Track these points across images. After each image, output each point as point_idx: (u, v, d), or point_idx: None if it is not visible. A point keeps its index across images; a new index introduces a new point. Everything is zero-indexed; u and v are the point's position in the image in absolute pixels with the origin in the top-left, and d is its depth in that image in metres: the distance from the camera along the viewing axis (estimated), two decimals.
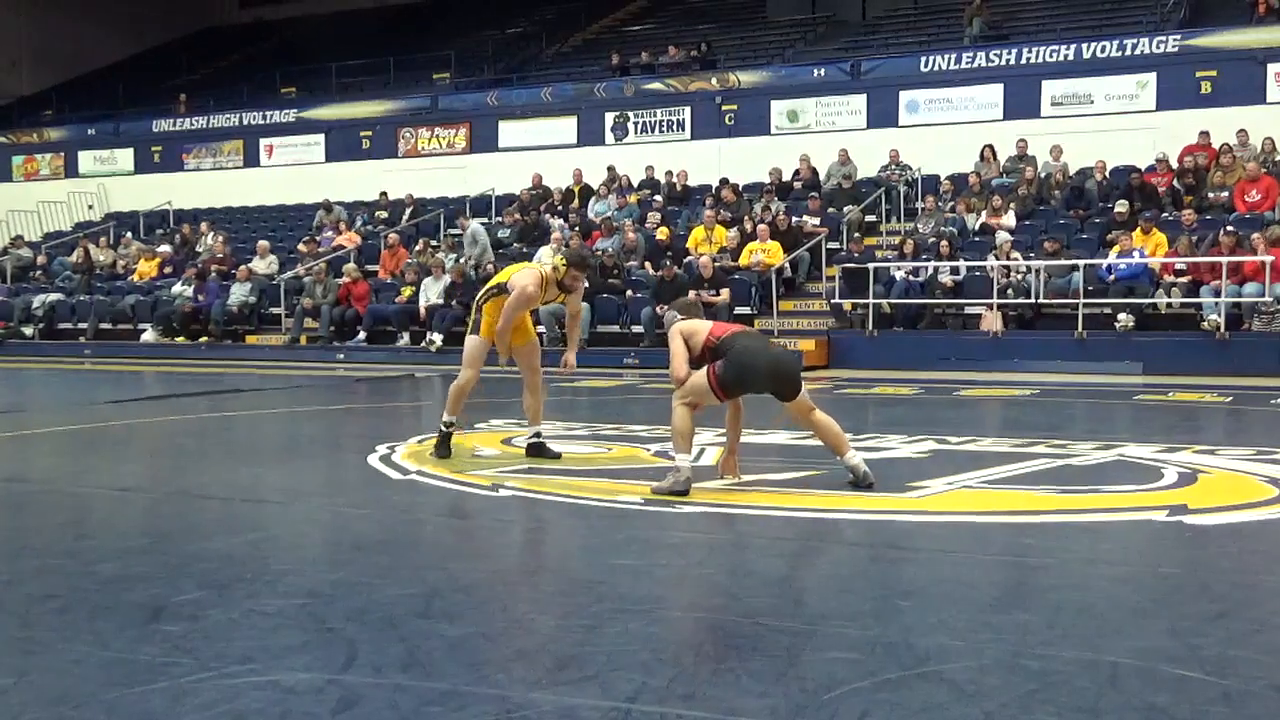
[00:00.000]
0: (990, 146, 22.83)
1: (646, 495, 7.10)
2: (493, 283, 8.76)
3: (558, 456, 8.71)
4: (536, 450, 8.71)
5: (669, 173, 25.33)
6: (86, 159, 34.24)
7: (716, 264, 19.98)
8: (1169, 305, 17.63)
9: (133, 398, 14.75)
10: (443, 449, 8.60)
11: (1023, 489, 7.44)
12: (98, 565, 5.52)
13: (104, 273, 27.68)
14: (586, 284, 8.85)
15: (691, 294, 19.21)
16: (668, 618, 4.68)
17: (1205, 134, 21.25)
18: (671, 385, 7.55)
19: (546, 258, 21.82)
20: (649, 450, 9.05)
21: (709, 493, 7.26)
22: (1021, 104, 23.89)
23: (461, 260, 22.18)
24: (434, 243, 24.30)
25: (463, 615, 4.68)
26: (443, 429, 8.63)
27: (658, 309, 18.80)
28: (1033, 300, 18.13)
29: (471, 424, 10.55)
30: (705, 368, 7.44)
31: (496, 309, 8.50)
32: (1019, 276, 18.44)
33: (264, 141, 32.03)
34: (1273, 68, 22.33)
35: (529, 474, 7.99)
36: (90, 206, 33.47)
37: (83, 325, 25.13)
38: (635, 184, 25.52)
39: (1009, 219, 20.35)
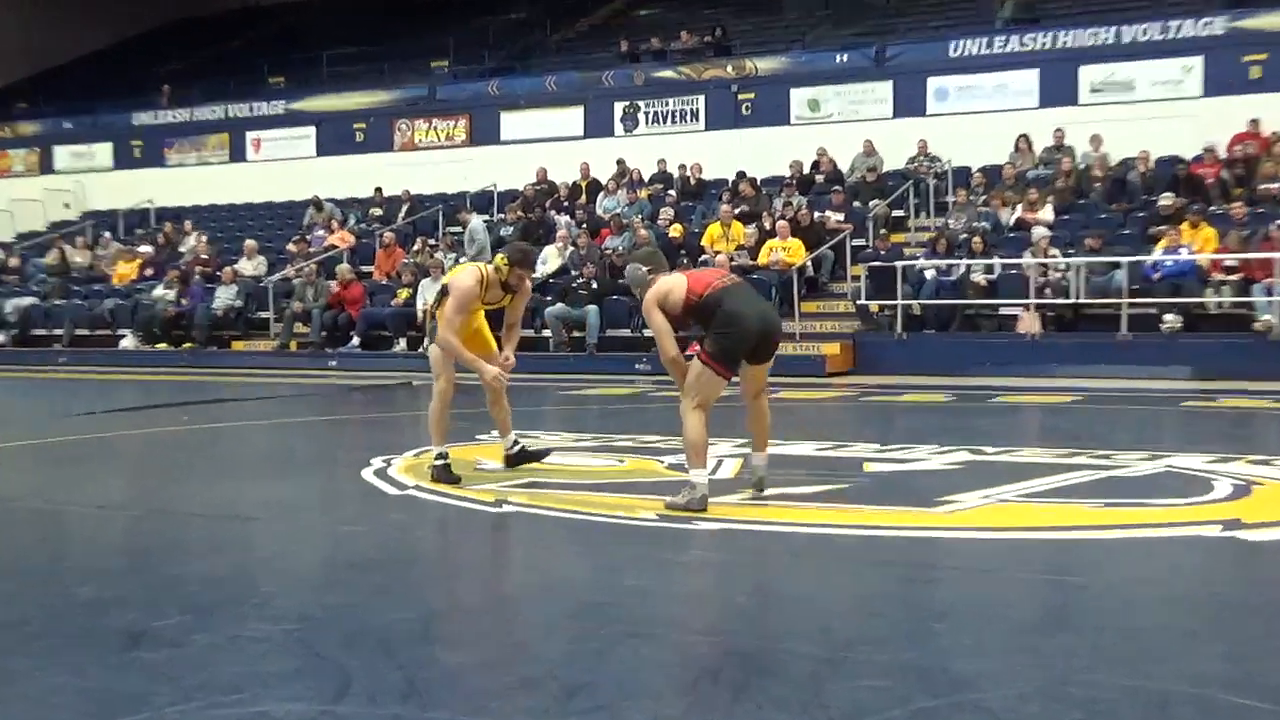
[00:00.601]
0: (1025, 136, 22.77)
1: (660, 511, 7.07)
2: (438, 284, 8.70)
3: (546, 453, 8.73)
4: (520, 459, 8.65)
5: (682, 166, 25.32)
6: (62, 154, 34.33)
7: (734, 263, 19.95)
8: (1218, 305, 17.55)
9: (111, 408, 14.76)
10: (446, 476, 8.22)
11: (1064, 503, 7.40)
12: (74, 588, 5.51)
13: (81, 275, 27.75)
14: (530, 284, 8.65)
15: None
16: (683, 642, 4.66)
17: (1255, 122, 21.17)
18: (679, 392, 7.44)
19: (552, 259, 21.89)
20: (663, 463, 9.03)
21: (728, 508, 7.24)
22: (1058, 91, 23.83)
23: (462, 261, 22.22)
24: (432, 242, 24.31)
25: (464, 640, 4.66)
26: (436, 463, 8.31)
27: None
28: (1072, 300, 18.08)
29: (473, 435, 10.54)
30: (696, 357, 7.28)
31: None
32: (1058, 275, 18.38)
33: (251, 135, 32.08)
34: None
35: (534, 489, 7.97)
36: (66, 205, 33.55)
37: (58, 331, 25.18)
38: (646, 178, 25.50)
39: (1046, 213, 20.30)
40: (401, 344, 21.44)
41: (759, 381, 7.58)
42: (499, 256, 8.35)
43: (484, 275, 8.29)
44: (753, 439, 7.69)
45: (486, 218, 26.22)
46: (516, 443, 8.73)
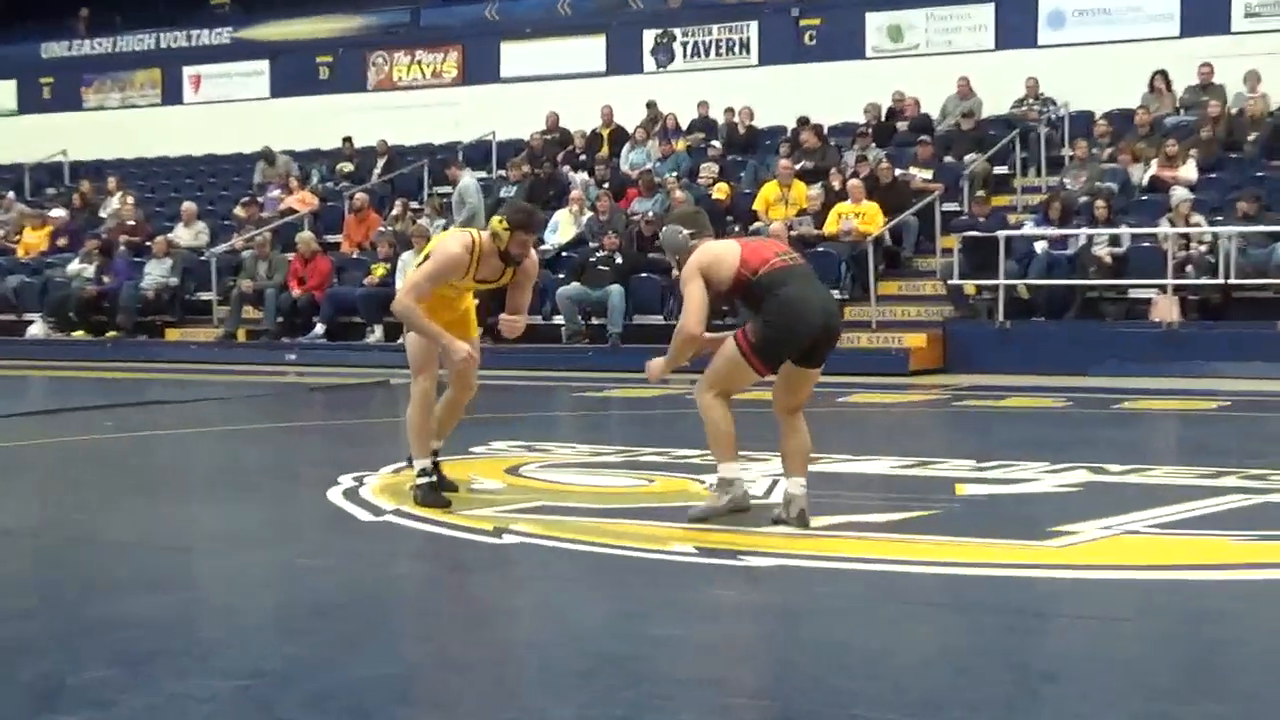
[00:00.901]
0: (1162, 73, 22.68)
1: (697, 542, 7.11)
2: (419, 257, 8.66)
3: (453, 490, 8.52)
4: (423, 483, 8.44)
5: (729, 110, 25.31)
6: None
7: (794, 232, 19.95)
8: None
9: (15, 412, 14.87)
10: (431, 498, 8.26)
11: (1207, 535, 7.41)
12: None
13: None
14: (536, 257, 8.62)
15: None
16: (725, 706, 4.70)
17: None
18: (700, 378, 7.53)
19: (565, 226, 21.92)
20: (703, 483, 9.06)
21: (782, 539, 7.26)
22: (1205, 15, 23.73)
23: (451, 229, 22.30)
24: (415, 205, 24.39)
25: (455, 702, 4.71)
26: (418, 480, 8.33)
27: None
28: (1221, 280, 18.02)
29: (466, 448, 10.59)
30: (733, 340, 7.35)
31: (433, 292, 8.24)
32: (1202, 249, 18.32)
33: (189, 70, 32.22)
34: None
35: (542, 514, 8.01)
36: None
37: None
38: (684, 126, 25.52)
39: (1188, 171, 20.23)
40: (376, 333, 21.52)
41: (804, 392, 7.65)
42: (496, 219, 8.21)
43: (476, 242, 8.18)
44: (786, 463, 7.66)
45: (483, 175, 26.26)
46: (437, 455, 8.61)
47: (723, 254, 7.45)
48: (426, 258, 8.35)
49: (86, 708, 4.58)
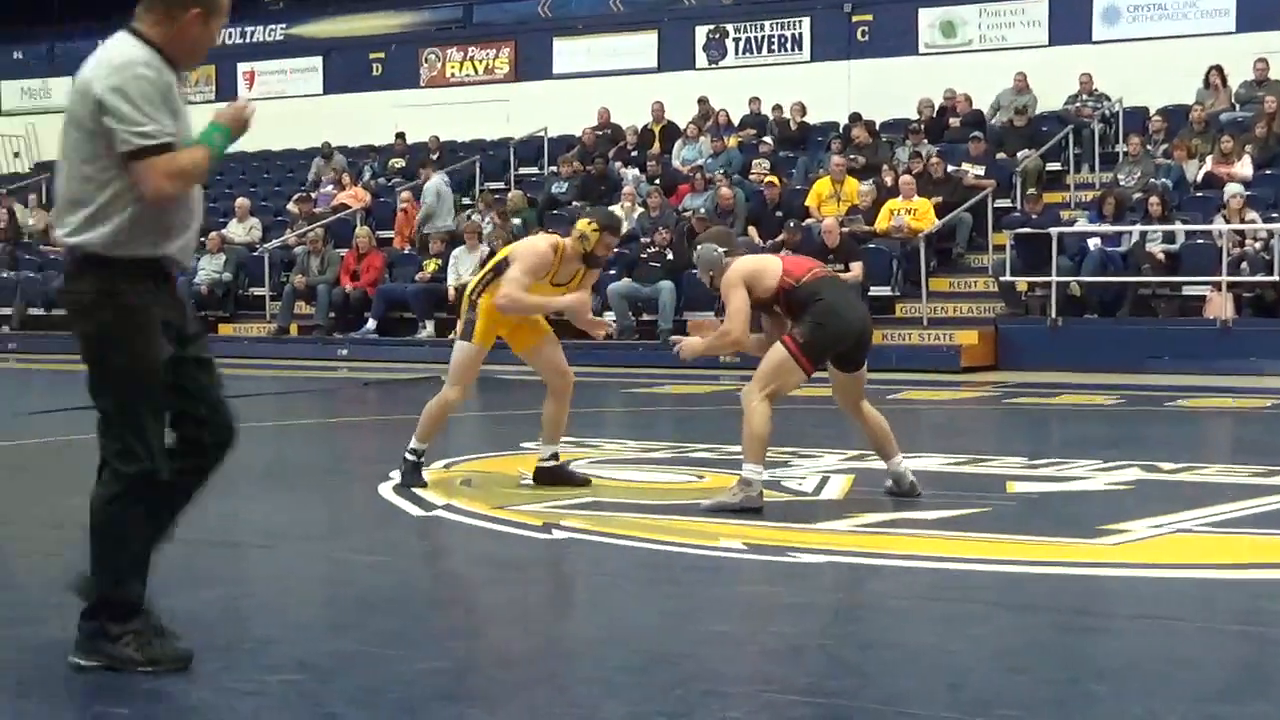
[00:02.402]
0: (1218, 68, 22.53)
1: (747, 538, 7.10)
2: (489, 266, 8.89)
3: (586, 482, 8.86)
4: (550, 477, 8.84)
5: (777, 108, 25.27)
6: (11, 91, 34.81)
7: (845, 229, 19.91)
8: None
9: (71, 406, 14.95)
10: (412, 477, 8.75)
11: (1262, 534, 7.37)
12: (24, 626, 5.62)
13: (34, 241, 28.10)
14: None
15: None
16: (777, 703, 4.68)
17: None
18: (751, 378, 7.87)
19: None
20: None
21: (834, 535, 7.25)
22: (1262, 10, 23.54)
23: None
24: (467, 201, 24.45)
25: (504, 698, 4.70)
26: (408, 457, 8.79)
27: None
28: (1276, 278, 17.89)
29: (517, 443, 10.60)
30: (782, 343, 7.78)
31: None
32: (1257, 245, 18.20)
33: (243, 67, 32.37)
34: None
35: (592, 510, 8.02)
36: (16, 154, 34.01)
37: (6, 311, 25.55)
38: (736, 122, 25.50)
39: (1244, 167, 20.10)
40: (428, 328, 21.57)
41: (857, 389, 8.23)
42: (584, 221, 8.66)
43: (560, 246, 8.62)
44: (880, 449, 8.32)
45: (534, 171, 26.33)
46: (556, 455, 8.89)
47: (766, 265, 8.08)
48: (504, 260, 8.63)
49: (137, 701, 4.60)
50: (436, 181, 23.96)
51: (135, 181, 4.64)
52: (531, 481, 8.88)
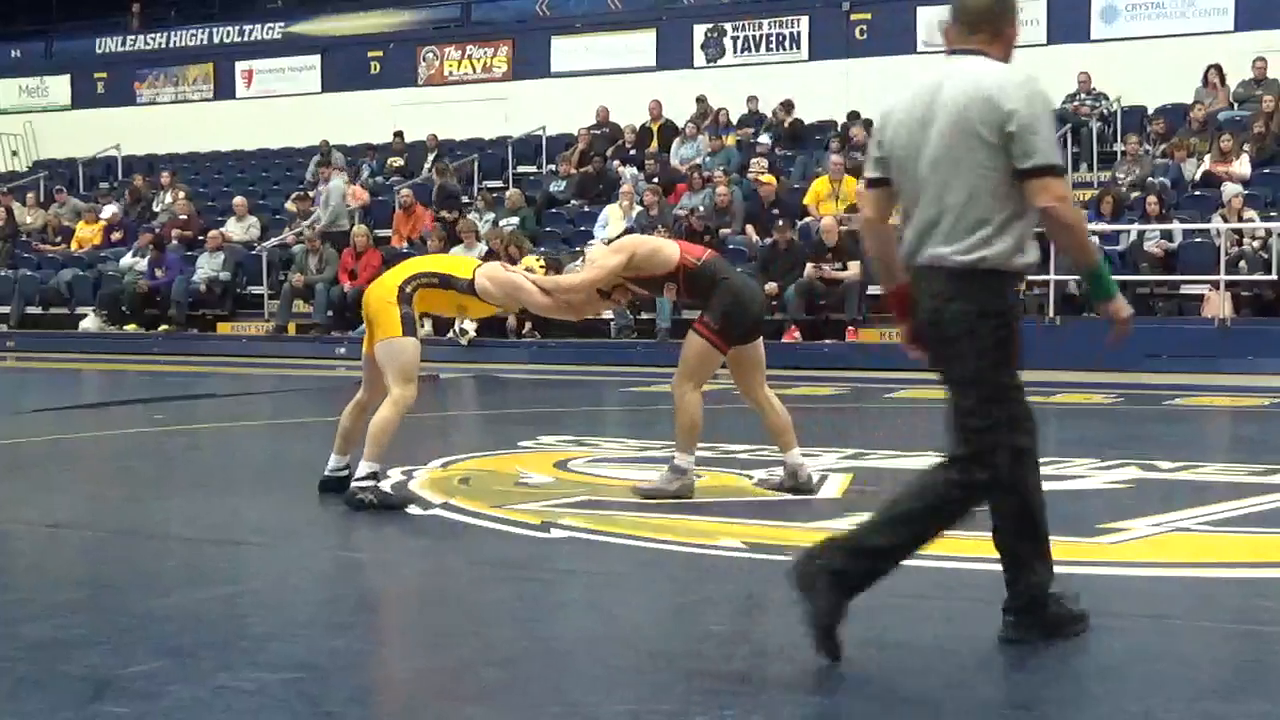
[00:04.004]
0: (1216, 67, 22.54)
1: (746, 537, 7.10)
2: (429, 265, 8.63)
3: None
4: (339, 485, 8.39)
5: (780, 105, 25.27)
6: (8, 89, 34.77)
7: (844, 227, 19.91)
8: None
9: (68, 405, 14.96)
10: (387, 501, 8.15)
11: (1260, 533, 7.36)
12: (22, 625, 5.61)
13: (31, 239, 28.11)
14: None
15: (810, 268, 19.23)
16: (776, 702, 4.68)
17: None
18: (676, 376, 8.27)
19: (614, 221, 21.92)
20: (751, 478, 9.05)
21: (836, 534, 7.24)
22: (1260, 9, 23.56)
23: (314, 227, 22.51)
24: (465, 199, 24.43)
25: (503, 697, 4.70)
26: (362, 483, 8.11)
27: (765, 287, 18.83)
28: (1274, 276, 17.90)
29: (515, 442, 10.60)
30: (695, 332, 8.16)
31: (432, 300, 8.42)
32: (1255, 244, 18.20)
33: (241, 66, 32.37)
34: None
35: (591, 509, 8.02)
36: (14, 152, 34.00)
37: (4, 309, 25.54)
38: (734, 120, 25.49)
39: (1242, 166, 20.10)
40: (426, 327, 21.53)
41: (760, 369, 8.44)
42: (532, 258, 8.85)
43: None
44: (779, 438, 8.47)
45: (533, 169, 26.32)
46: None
47: (663, 244, 8.46)
48: (437, 274, 8.47)
49: (135, 700, 4.60)
50: (338, 183, 24.06)
51: (1029, 196, 4.85)
52: (548, 480, 8.78)
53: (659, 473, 8.48)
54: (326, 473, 8.57)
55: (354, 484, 8.15)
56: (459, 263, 8.90)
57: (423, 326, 8.94)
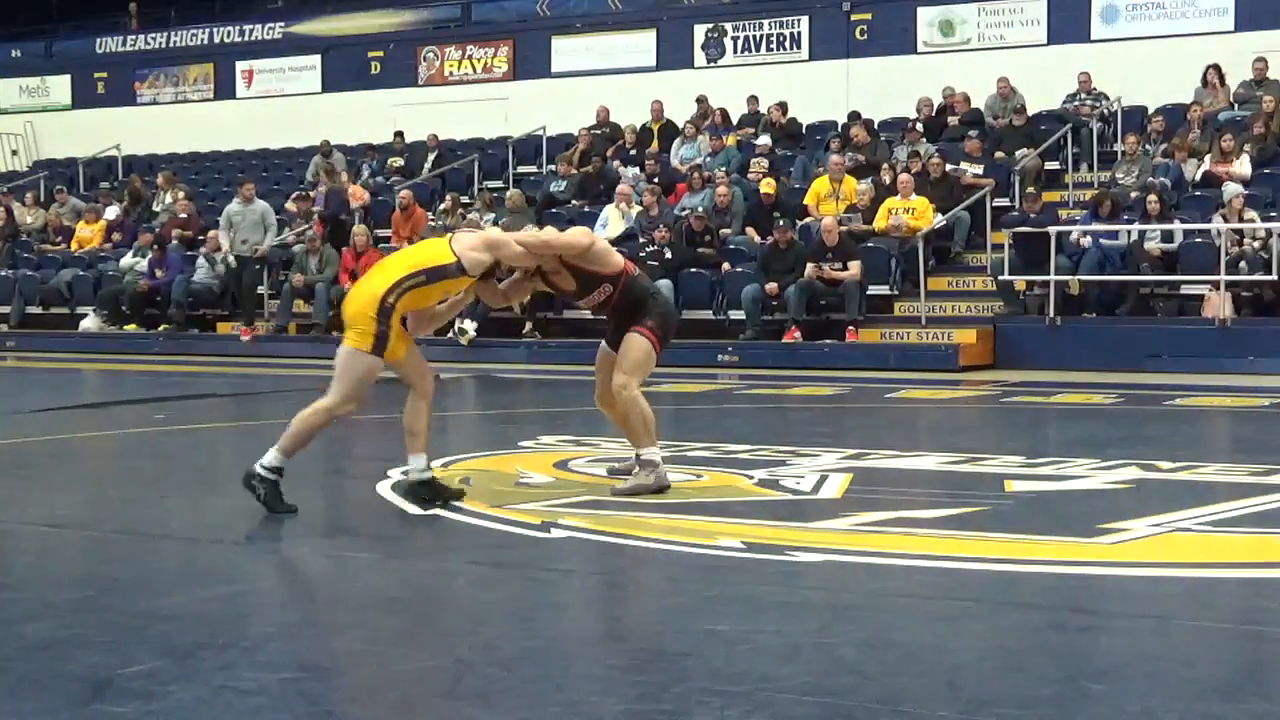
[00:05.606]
0: (1216, 67, 22.52)
1: (745, 537, 7.10)
2: (409, 266, 8.07)
3: (460, 495, 8.31)
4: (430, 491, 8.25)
5: (775, 105, 25.26)
6: (8, 89, 34.77)
7: (844, 227, 19.91)
8: None
9: (68, 404, 14.97)
10: (274, 498, 7.84)
11: (1260, 533, 7.37)
12: (22, 625, 5.61)
13: (31, 239, 28.09)
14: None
15: (810, 268, 19.24)
16: (776, 702, 4.68)
17: None
18: (627, 379, 8.33)
19: (613, 221, 21.92)
20: (751, 479, 9.05)
21: (832, 534, 7.25)
22: (1260, 9, 23.55)
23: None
24: (465, 199, 24.44)
25: (503, 697, 4.70)
26: (264, 473, 7.83)
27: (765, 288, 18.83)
28: (1274, 277, 17.89)
29: (515, 442, 10.59)
30: (641, 335, 8.32)
31: (421, 298, 8.08)
32: (1256, 244, 18.20)
33: (241, 65, 32.36)
34: None
35: (591, 509, 8.01)
36: (14, 152, 34.00)
37: (4, 309, 25.52)
38: (734, 120, 25.49)
39: (1241, 166, 20.10)
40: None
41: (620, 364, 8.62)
42: None
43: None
44: (636, 439, 8.53)
45: (533, 169, 26.30)
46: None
47: (610, 249, 8.68)
48: (423, 270, 8.10)
49: (135, 700, 4.60)
50: (263, 205, 24.15)
51: None
52: (547, 479, 8.78)
53: (630, 474, 8.55)
54: (413, 477, 8.22)
55: (258, 467, 7.84)
56: (433, 249, 8.36)
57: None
